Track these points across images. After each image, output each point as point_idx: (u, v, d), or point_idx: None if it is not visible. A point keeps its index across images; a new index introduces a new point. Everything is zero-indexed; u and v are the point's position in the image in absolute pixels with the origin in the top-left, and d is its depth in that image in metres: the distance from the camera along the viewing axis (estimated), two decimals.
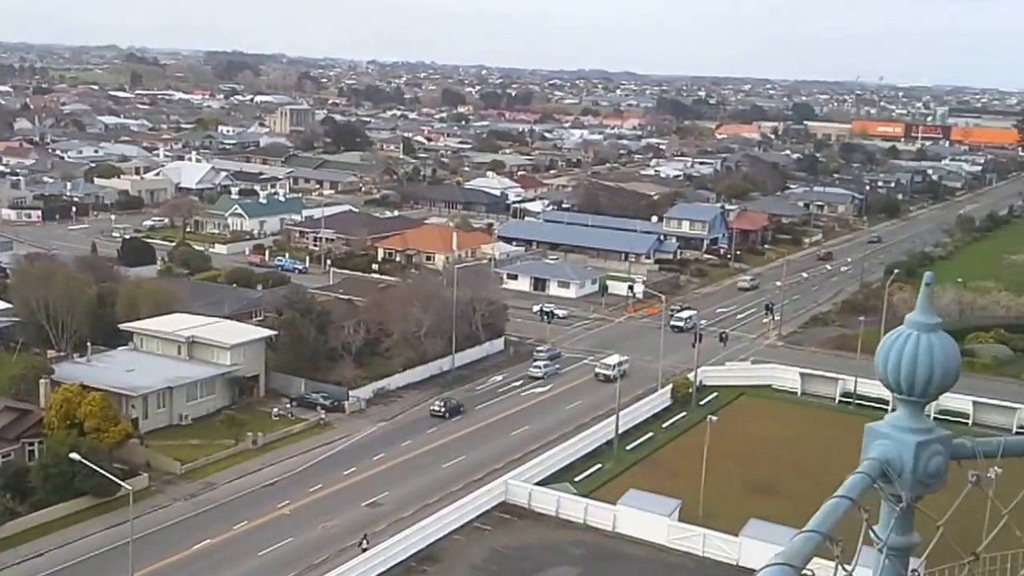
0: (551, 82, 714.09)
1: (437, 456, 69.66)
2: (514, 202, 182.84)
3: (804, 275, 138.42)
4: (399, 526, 56.47)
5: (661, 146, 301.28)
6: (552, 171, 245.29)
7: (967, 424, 78.07)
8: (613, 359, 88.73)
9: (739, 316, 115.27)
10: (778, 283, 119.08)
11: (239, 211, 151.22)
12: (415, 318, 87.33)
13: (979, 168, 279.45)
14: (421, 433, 73.99)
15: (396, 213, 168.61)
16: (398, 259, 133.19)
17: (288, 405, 77.31)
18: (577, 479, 64.91)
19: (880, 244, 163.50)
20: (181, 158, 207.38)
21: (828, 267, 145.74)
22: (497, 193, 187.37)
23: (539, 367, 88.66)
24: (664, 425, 76.25)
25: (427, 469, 67.34)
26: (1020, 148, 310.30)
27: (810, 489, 64.43)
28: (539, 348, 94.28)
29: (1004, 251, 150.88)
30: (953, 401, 79.89)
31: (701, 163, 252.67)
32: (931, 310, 4.51)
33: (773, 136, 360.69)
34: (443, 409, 77.13)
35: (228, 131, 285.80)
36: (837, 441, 74.22)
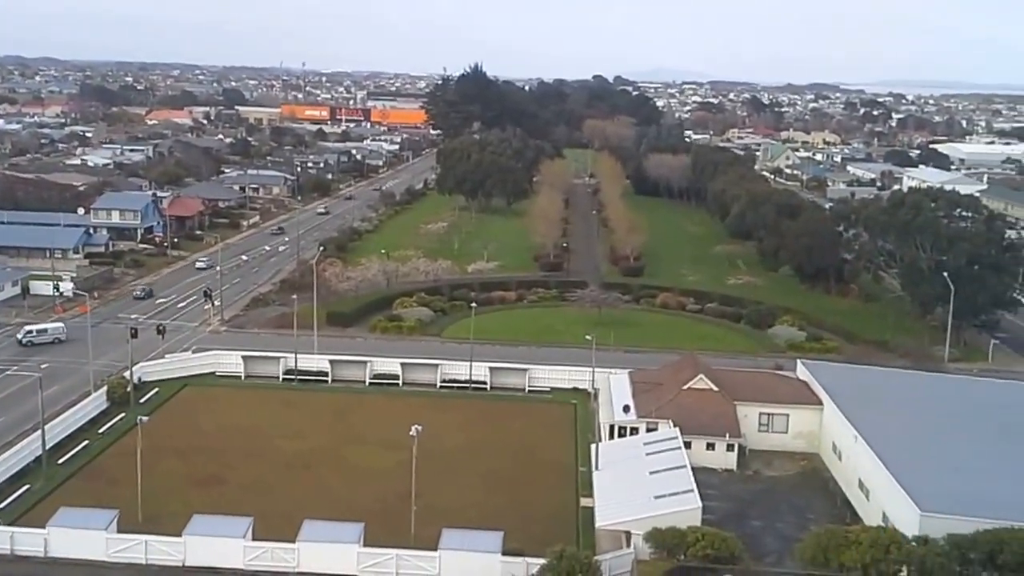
0: None
1: None
2: None
3: (244, 258, 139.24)
4: None
5: (87, 134, 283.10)
6: None
7: (398, 384, 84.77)
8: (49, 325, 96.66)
9: (180, 305, 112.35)
10: (217, 268, 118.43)
11: None
12: None
13: (397, 147, 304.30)
14: None
15: None
16: None
17: None
18: (0, 507, 58.16)
19: (284, 235, 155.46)
20: None
21: (267, 248, 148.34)
22: None
23: None
24: (101, 430, 71.41)
25: None
26: (429, 127, 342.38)
27: (258, 472, 65.26)
28: None
29: (420, 221, 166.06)
30: (385, 365, 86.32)
31: (132, 150, 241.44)
32: None
33: (206, 121, 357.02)
34: None
35: None
36: (283, 419, 76.12)
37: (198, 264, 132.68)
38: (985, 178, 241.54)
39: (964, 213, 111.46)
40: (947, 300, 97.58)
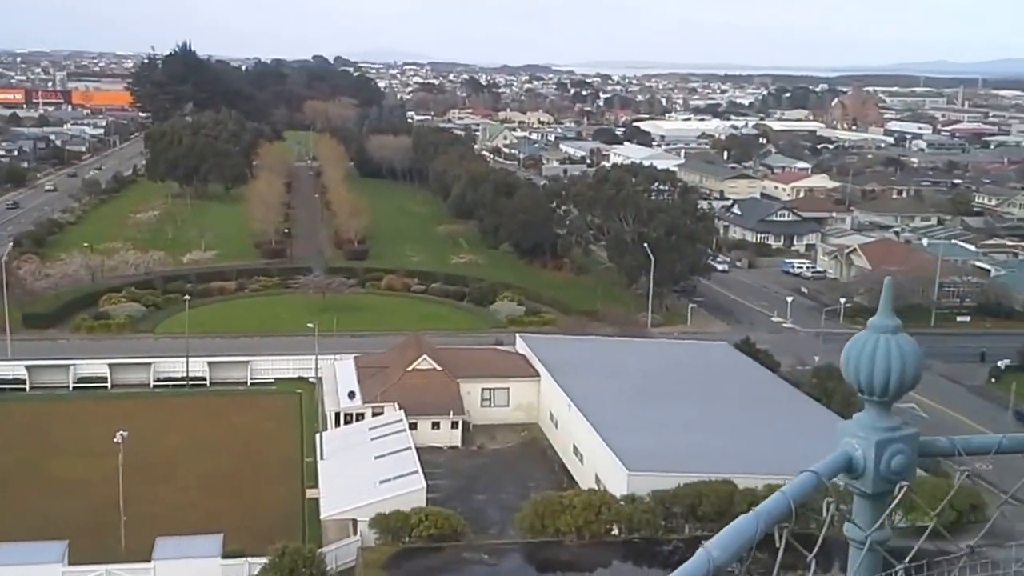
0: None
1: None
2: None
3: None
4: None
5: None
6: None
7: (107, 387, 79.46)
8: None
9: None
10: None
11: None
12: None
13: (102, 131, 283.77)
14: None
15: None
16: None
17: None
18: None
19: (20, 210, 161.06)
20: None
21: None
22: None
23: None
24: None
25: None
26: (137, 110, 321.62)
27: None
28: None
29: (130, 211, 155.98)
30: (90, 367, 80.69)
31: None
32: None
33: None
34: None
35: None
36: None
37: None
38: (682, 153, 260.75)
39: (662, 187, 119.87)
40: (649, 269, 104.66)
